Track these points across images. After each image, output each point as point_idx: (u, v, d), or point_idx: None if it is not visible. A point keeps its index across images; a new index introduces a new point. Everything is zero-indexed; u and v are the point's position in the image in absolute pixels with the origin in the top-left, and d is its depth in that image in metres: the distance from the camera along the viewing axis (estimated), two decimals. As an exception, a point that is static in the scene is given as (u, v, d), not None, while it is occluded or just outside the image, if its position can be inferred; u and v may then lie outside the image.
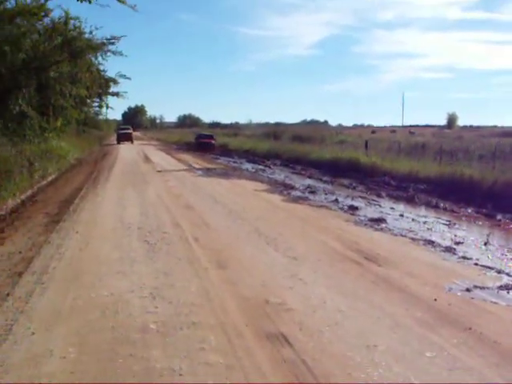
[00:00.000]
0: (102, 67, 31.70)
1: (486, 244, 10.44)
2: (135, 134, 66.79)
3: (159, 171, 23.55)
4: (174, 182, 19.51)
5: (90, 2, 11.96)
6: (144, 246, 9.15)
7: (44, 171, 19.46)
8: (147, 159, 32.38)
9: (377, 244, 9.91)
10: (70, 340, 5.22)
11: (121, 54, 24.71)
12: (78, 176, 21.75)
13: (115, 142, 56.23)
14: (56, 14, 28.63)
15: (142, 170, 24.93)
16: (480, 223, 13.39)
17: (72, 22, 23.50)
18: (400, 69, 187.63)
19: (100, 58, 27.44)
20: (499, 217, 14.07)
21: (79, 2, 12.78)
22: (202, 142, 44.01)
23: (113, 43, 24.04)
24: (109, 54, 24.61)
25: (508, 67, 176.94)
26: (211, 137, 46.06)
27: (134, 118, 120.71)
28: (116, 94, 36.79)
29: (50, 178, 19.97)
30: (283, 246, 9.29)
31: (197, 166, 26.84)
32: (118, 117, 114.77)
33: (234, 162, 31.85)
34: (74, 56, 23.60)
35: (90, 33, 24.10)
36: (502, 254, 9.58)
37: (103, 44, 23.84)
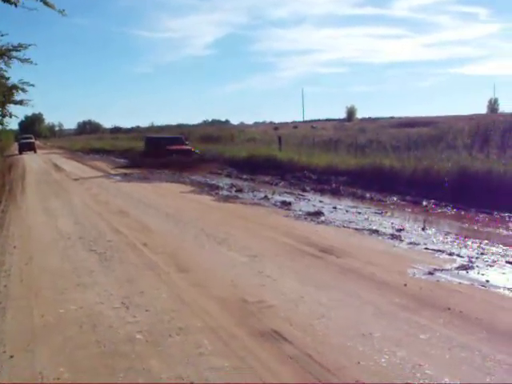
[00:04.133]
0: (6, 74, 30.09)
1: (423, 229, 10.76)
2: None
3: (76, 179, 22.77)
4: (96, 189, 18.92)
5: (15, 6, 11.36)
6: (93, 255, 8.80)
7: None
8: (58, 168, 31.22)
9: (326, 237, 10.01)
10: (56, 359, 4.91)
11: (29, 61, 23.57)
12: (-12, 190, 20.67)
13: (17, 153, 53.89)
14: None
15: (56, 178, 24.00)
16: (409, 210, 13.81)
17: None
18: (297, 65, 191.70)
19: (3, 65, 26.09)
20: (425, 203, 14.58)
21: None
22: (168, 150, 27.62)
23: (18, 50, 22.91)
24: (14, 61, 23.39)
25: (399, 60, 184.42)
26: (181, 141, 30.20)
27: (32, 127, 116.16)
28: (20, 103, 35.17)
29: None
30: (236, 246, 9.20)
31: (113, 172, 26.17)
32: (15, 126, 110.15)
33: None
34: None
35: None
36: (444, 238, 9.90)
37: (8, 50, 22.70)
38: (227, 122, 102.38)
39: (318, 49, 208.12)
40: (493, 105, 69.79)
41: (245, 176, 22.59)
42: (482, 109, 71.22)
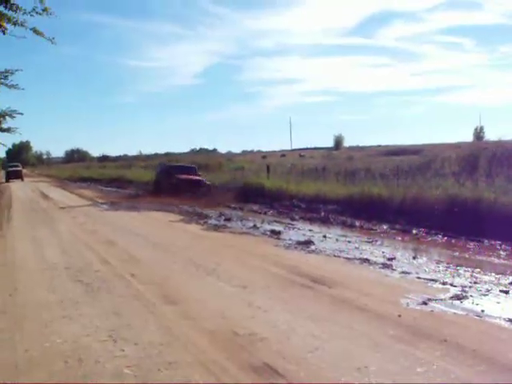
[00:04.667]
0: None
1: (414, 258, 10.68)
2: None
3: (62, 208, 22.57)
4: (83, 217, 18.71)
5: (3, 33, 11.26)
6: (80, 286, 8.60)
7: None
8: (45, 196, 30.99)
9: (316, 266, 9.89)
10: (41, 396, 4.72)
11: (16, 87, 23.38)
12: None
13: (3, 181, 53.52)
14: None
15: (43, 207, 23.80)
16: (399, 238, 13.73)
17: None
18: (282, 94, 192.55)
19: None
20: (415, 231, 14.54)
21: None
22: (180, 179, 26.42)
23: (5, 77, 22.77)
24: (2, 87, 23.19)
25: (386, 89, 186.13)
26: (194, 170, 29.18)
27: (20, 155, 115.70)
28: (7, 130, 34.90)
29: None
30: (226, 276, 9.04)
31: (100, 201, 25.97)
32: (2, 154, 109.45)
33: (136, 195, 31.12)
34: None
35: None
36: (436, 267, 9.81)
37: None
38: (215, 150, 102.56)
39: (305, 78, 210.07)
40: (479, 133, 70.33)
41: (233, 205, 22.47)
42: (468, 137, 71.72)
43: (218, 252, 11.51)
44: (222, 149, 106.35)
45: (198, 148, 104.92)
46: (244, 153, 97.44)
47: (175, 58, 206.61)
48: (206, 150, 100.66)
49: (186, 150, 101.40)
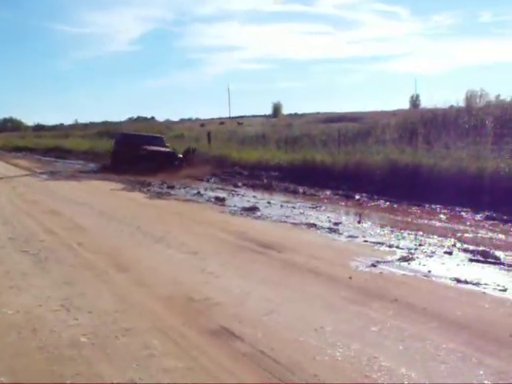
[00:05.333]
0: None
1: (359, 222, 10.91)
2: None
3: (0, 178, 21.91)
4: (23, 188, 18.20)
5: None
6: (27, 256, 8.41)
7: None
8: (-22, 167, 30.03)
9: (264, 232, 9.98)
10: (-5, 368, 4.62)
11: None
12: None
13: None
14: None
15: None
16: (343, 204, 13.99)
17: None
18: (223, 61, 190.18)
19: None
20: (357, 196, 14.85)
21: None
22: (151, 152, 23.12)
23: None
24: None
25: (324, 56, 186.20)
26: (162, 141, 25.75)
27: None
28: None
29: None
30: (174, 243, 9.02)
31: (39, 171, 25.33)
32: None
33: (75, 164, 30.54)
34: None
35: None
36: (381, 230, 10.06)
37: None
38: (153, 118, 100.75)
39: (244, 45, 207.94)
40: (415, 100, 71.33)
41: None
42: (404, 105, 72.96)
43: (165, 219, 11.47)
44: (160, 117, 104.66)
45: (135, 116, 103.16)
46: (182, 121, 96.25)
47: (111, 24, 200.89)
48: (145, 119, 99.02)
49: (123, 118, 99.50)
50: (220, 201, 14.24)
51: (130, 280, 6.99)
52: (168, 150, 24.45)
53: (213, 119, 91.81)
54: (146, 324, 5.41)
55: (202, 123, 79.82)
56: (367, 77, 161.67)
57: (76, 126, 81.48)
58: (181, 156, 24.01)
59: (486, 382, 4.00)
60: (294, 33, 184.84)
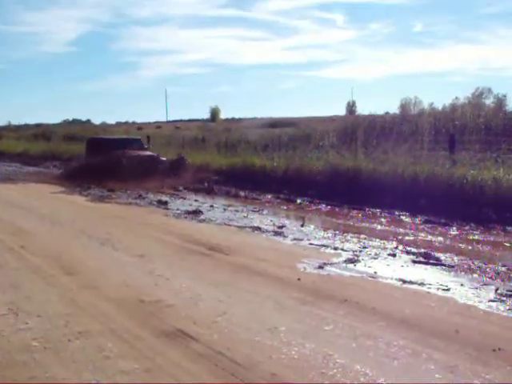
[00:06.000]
0: None
1: (303, 226, 11.06)
2: None
3: None
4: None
5: None
6: (-34, 260, 8.19)
7: None
8: None
9: (210, 235, 10.01)
10: None
11: None
12: None
13: None
14: None
15: None
16: (285, 208, 14.14)
17: None
18: (160, 65, 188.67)
19: None
20: (299, 200, 15.04)
21: None
22: (133, 157, 19.89)
23: None
24: None
25: (261, 62, 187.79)
26: (140, 143, 22.82)
27: None
28: None
29: None
30: (121, 246, 8.95)
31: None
32: None
33: (10, 166, 29.72)
34: None
35: None
36: (325, 233, 10.23)
37: None
38: (89, 121, 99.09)
39: (181, 49, 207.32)
40: (351, 107, 73.01)
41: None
42: (341, 111, 74.40)
43: (108, 223, 11.34)
44: (96, 119, 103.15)
45: (70, 119, 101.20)
46: (118, 124, 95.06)
47: (48, 24, 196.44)
48: (80, 121, 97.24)
49: (58, 120, 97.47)
50: (163, 204, 14.18)
51: (79, 283, 6.90)
52: (152, 153, 21.52)
53: (150, 123, 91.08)
54: (98, 327, 5.36)
55: (139, 126, 78.98)
56: (304, 83, 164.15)
57: (9, 128, 79.19)
58: (164, 159, 21.22)
59: (437, 375, 4.17)
60: (232, 38, 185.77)
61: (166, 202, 14.42)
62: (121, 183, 17.85)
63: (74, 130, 49.00)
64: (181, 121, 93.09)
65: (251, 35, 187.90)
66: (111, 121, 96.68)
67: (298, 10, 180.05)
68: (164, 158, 21.28)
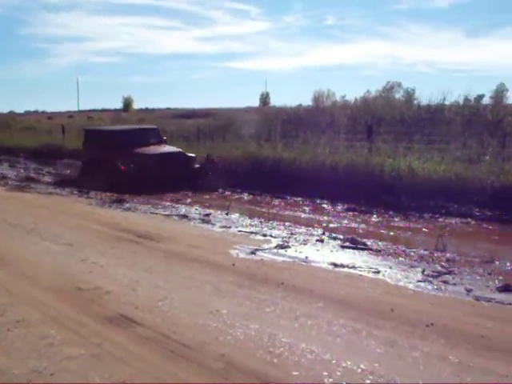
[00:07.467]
0: None
1: (227, 214, 11.17)
2: None
3: None
4: None
5: None
6: None
7: None
8: None
9: (138, 223, 9.97)
10: None
11: None
12: None
13: None
14: None
15: None
16: (207, 197, 14.11)
17: None
18: (70, 53, 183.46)
19: None
20: (220, 189, 15.03)
21: None
22: (142, 159, 14.83)
23: None
24: None
25: (174, 51, 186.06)
26: (156, 134, 17.19)
27: None
28: None
29: None
30: (48, 235, 8.77)
31: None
32: None
33: None
34: None
35: None
36: (251, 221, 10.40)
37: None
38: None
39: (93, 37, 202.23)
40: (265, 98, 73.87)
41: (34, 166, 21.59)
42: (254, 102, 75.03)
43: (32, 212, 11.06)
44: (3, 108, 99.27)
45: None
46: (27, 113, 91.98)
47: None
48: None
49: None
50: (85, 193, 13.92)
51: (11, 272, 6.77)
52: (178, 149, 16.40)
53: (60, 112, 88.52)
54: (37, 315, 5.30)
55: (50, 116, 76.87)
56: (218, 74, 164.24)
57: None
58: (194, 156, 16.16)
59: (378, 350, 4.40)
60: (147, 27, 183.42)
61: (87, 192, 14.12)
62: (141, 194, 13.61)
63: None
64: (93, 111, 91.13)
65: (166, 24, 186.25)
66: (20, 110, 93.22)
67: (213, 1, 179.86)
68: (193, 155, 16.22)
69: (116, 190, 13.68)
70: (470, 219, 10.37)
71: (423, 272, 6.66)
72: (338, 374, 3.96)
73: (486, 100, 32.22)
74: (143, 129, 17.91)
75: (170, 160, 15.22)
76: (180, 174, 14.90)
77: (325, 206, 12.47)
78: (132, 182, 13.94)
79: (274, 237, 8.82)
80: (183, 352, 4.40)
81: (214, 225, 9.91)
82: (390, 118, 19.87)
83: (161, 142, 16.61)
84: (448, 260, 7.35)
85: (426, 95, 32.18)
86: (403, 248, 8.04)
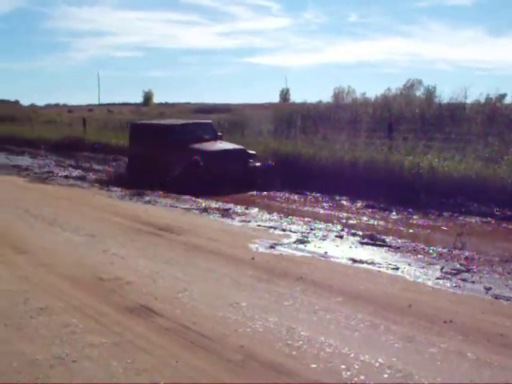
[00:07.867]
0: None
1: (247, 208, 11.20)
2: None
3: None
4: None
5: None
6: None
7: None
8: None
9: (158, 216, 10.06)
10: None
11: None
12: None
13: None
14: None
15: None
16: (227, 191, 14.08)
17: None
18: (92, 47, 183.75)
19: None
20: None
21: None
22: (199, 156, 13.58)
23: None
24: None
25: (195, 47, 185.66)
26: (210, 129, 16.26)
27: None
28: None
29: None
30: (69, 226, 8.89)
31: None
32: None
33: None
34: None
35: None
36: (270, 216, 10.39)
37: None
38: (17, 102, 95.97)
39: (115, 31, 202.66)
40: (285, 94, 73.75)
41: (55, 157, 21.89)
42: (274, 98, 75.01)
43: (53, 203, 11.21)
44: (25, 101, 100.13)
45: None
46: (48, 106, 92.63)
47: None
48: (8, 102, 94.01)
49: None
50: (106, 186, 14.03)
51: (32, 261, 6.87)
52: (239, 146, 15.42)
53: (81, 106, 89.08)
54: (60, 303, 5.39)
55: (70, 109, 77.41)
56: (237, 69, 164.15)
57: None
58: (254, 153, 15.12)
59: (396, 345, 4.42)
60: (167, 22, 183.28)
61: (108, 184, 14.23)
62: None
63: (1, 110, 47.28)
64: (113, 104, 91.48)
65: (187, 19, 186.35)
66: (41, 102, 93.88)
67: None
68: (254, 152, 15.18)
69: (169, 189, 12.95)
70: (489, 218, 10.30)
71: (442, 269, 6.65)
72: (356, 367, 3.99)
73: (509, 99, 31.89)
74: (198, 123, 16.83)
75: (231, 157, 14.37)
76: (240, 172, 14.16)
77: (344, 202, 12.45)
78: (189, 181, 13.15)
79: (294, 232, 8.85)
80: (203, 343, 4.45)
81: (233, 219, 9.96)
82: (410, 115, 19.76)
83: (216, 137, 15.65)
84: (467, 258, 7.32)
85: (447, 93, 32.03)
86: (422, 245, 8.02)
